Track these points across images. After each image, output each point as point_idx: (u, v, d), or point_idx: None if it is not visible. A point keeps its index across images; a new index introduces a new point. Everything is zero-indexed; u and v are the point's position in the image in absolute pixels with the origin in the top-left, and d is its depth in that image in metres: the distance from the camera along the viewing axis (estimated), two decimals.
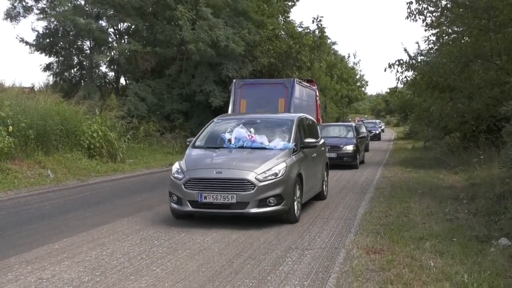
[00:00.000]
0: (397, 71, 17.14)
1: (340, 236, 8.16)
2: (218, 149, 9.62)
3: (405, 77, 18.03)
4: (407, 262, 6.35)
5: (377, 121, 67.01)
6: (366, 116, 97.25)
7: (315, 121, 12.37)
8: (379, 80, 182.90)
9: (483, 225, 8.45)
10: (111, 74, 31.12)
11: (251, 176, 8.52)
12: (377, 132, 50.64)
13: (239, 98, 24.07)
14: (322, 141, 12.22)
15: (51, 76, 28.93)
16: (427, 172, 17.53)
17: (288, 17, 34.01)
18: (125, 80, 30.54)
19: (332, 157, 17.73)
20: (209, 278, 5.94)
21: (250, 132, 9.70)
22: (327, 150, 17.83)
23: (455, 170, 16.74)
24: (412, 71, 17.82)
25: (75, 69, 29.56)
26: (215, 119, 11.02)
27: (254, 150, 9.43)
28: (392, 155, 28.30)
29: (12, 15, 27.04)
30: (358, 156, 20.20)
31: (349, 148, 19.73)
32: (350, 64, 71.26)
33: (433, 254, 6.74)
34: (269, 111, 23.76)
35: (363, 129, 31.91)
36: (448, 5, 15.72)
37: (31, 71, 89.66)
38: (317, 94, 30.95)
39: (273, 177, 8.64)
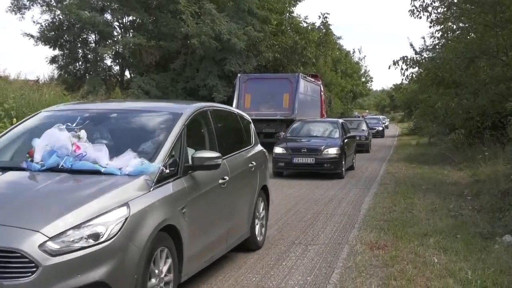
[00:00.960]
0: (402, 68, 17.07)
1: (343, 232, 8.15)
2: (7, 171, 4.76)
3: (410, 73, 17.97)
4: (410, 258, 6.33)
5: (381, 117, 64.12)
6: (367, 111, 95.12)
7: (241, 114, 7.50)
8: (384, 75, 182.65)
9: (487, 221, 8.43)
10: (116, 68, 31.17)
11: (29, 243, 3.70)
12: (380, 128, 46.25)
13: (244, 92, 24.09)
14: (256, 149, 7.33)
15: (56, 69, 29.02)
16: (431, 168, 17.50)
17: (293, 12, 33.91)
18: (130, 74, 30.56)
19: (309, 163, 15.15)
20: (212, 272, 5.94)
21: (78, 137, 4.88)
22: (303, 153, 15.23)
23: (460, 167, 16.71)
24: (417, 68, 17.75)
25: (80, 63, 29.61)
26: (43, 111, 6.08)
27: (75, 177, 4.54)
28: (396, 151, 28.24)
29: (17, 7, 27.07)
30: (344, 162, 15.62)
31: (332, 151, 15.14)
32: (355, 60, 71.11)
33: (437, 250, 6.73)
34: (273, 106, 23.88)
35: (364, 127, 28.89)
36: (455, 0, 15.64)
37: (36, 63, 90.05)
38: (322, 89, 30.98)
39: (91, 241, 3.87)
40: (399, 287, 5.34)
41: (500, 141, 15.74)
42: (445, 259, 6.31)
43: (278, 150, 15.42)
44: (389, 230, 7.81)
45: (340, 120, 18.55)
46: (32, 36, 27.41)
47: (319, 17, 33.24)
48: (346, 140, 16.48)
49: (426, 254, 6.53)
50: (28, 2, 27.23)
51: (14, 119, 14.73)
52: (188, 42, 26.64)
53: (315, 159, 15.12)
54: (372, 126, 39.45)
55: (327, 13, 33.60)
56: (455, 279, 5.55)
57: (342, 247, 7.14)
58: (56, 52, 28.57)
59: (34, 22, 31.77)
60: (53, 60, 28.52)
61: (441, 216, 9.03)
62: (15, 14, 27.38)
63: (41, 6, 27.31)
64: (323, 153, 15.08)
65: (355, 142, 19.25)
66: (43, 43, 27.60)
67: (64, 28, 27.79)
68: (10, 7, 27.00)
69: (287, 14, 33.19)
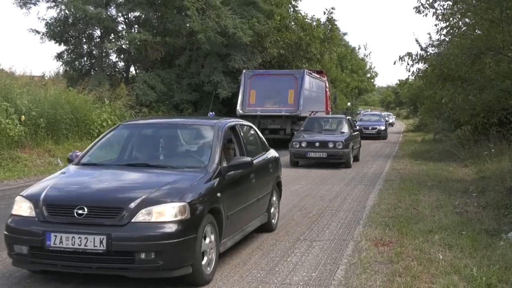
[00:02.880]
0: (407, 64, 17.03)
1: (348, 228, 8.15)
2: None
3: (416, 69, 17.94)
4: (415, 255, 6.33)
5: (384, 113, 59.28)
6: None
7: None
8: (389, 71, 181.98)
9: (493, 218, 8.41)
10: (121, 63, 31.23)
11: None
12: (382, 128, 34.99)
13: (249, 89, 24.12)
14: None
15: (62, 65, 29.10)
16: (436, 164, 17.45)
17: (297, 6, 33.92)
18: (135, 70, 30.61)
19: (87, 253, 5.04)
20: (217, 268, 5.94)
21: None
22: (80, 221, 5.12)
23: (465, 163, 16.66)
24: (423, 63, 17.71)
25: (85, 58, 29.65)
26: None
27: None
28: (402, 147, 28.17)
29: (23, 1, 27.09)
30: (207, 242, 5.55)
31: (165, 211, 5.17)
32: (361, 56, 70.97)
33: (442, 247, 6.72)
34: (278, 102, 23.88)
35: (344, 128, 18.12)
36: None
37: (41, 60, 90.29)
38: (327, 85, 30.98)
39: None
40: (404, 283, 5.34)
41: (506, 137, 15.70)
42: (450, 256, 6.30)
43: (20, 208, 5.47)
44: (394, 227, 7.80)
45: (223, 122, 6.98)
46: (37, 32, 27.45)
47: (324, 12, 33.34)
48: (231, 174, 6.33)
49: (431, 250, 6.52)
50: None
51: (23, 116, 14.84)
52: (194, 38, 26.66)
53: (105, 244, 4.98)
54: (371, 125, 34.40)
55: (332, 8, 33.70)
56: (460, 276, 5.55)
57: (347, 243, 7.14)
58: (62, 48, 28.65)
59: (39, 18, 31.88)
60: (59, 56, 28.58)
61: (446, 213, 9.01)
62: (21, 8, 27.43)
63: (47, 1, 27.35)
64: (133, 220, 5.09)
65: (271, 172, 8.08)
66: (48, 39, 27.61)
67: (70, 23, 27.78)
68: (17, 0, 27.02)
69: (292, 9, 33.20)
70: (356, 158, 18.71)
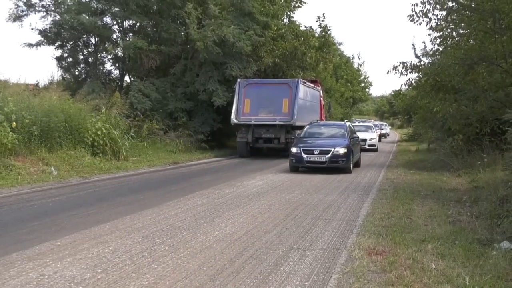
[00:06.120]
0: (401, 73, 17.11)
1: (342, 237, 8.15)
2: None
3: (409, 79, 18.03)
4: (408, 264, 6.34)
5: (379, 123, 53.83)
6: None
7: None
8: (383, 81, 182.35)
9: (486, 228, 8.44)
10: (116, 72, 31.20)
11: None
12: (341, 151, 17.76)
13: (243, 97, 24.20)
14: None
15: (59, 71, 29.09)
16: (430, 174, 17.51)
17: (292, 17, 34.10)
18: (130, 78, 30.60)
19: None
20: (210, 277, 5.94)
21: None
22: None
23: (459, 173, 16.72)
24: (417, 73, 17.80)
25: (81, 66, 29.61)
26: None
27: None
28: (396, 157, 28.25)
29: (16, 15, 26.95)
30: None
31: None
32: (355, 65, 71.20)
33: (435, 256, 6.74)
34: (273, 111, 23.96)
35: None
36: (454, 7, 15.71)
37: (35, 68, 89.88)
38: (321, 94, 31.09)
39: None
40: None
41: (499, 147, 15.76)
42: (443, 265, 6.32)
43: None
44: (387, 236, 7.82)
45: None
46: (31, 45, 27.24)
47: (317, 20, 33.56)
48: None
49: (424, 260, 6.54)
50: (26, 9, 27.12)
51: (14, 123, 14.80)
52: (188, 46, 26.66)
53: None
54: (320, 147, 17.99)
55: (323, 16, 34.26)
56: (453, 285, 5.56)
57: (340, 252, 7.14)
58: (59, 52, 28.55)
59: (32, 29, 31.61)
60: (58, 59, 28.48)
61: (439, 222, 9.04)
62: (13, 22, 27.30)
63: (38, 12, 27.26)
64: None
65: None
66: (44, 44, 27.44)
67: (66, 28, 27.65)
68: (9, 16, 26.86)
69: (287, 20, 33.34)
70: None
